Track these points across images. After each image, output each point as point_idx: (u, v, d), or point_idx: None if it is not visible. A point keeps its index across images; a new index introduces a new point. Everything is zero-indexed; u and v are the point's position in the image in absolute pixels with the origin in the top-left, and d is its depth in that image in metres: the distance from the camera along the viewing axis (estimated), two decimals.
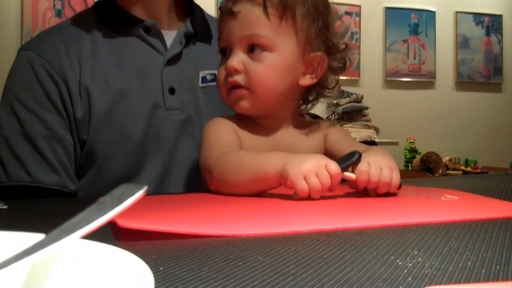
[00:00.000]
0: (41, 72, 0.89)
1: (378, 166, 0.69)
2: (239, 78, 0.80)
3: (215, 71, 0.96)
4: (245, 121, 0.85)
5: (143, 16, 0.95)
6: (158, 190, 0.92)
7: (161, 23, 0.97)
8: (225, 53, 0.83)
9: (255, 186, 0.70)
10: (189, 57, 0.98)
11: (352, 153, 0.70)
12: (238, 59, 0.79)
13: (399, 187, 0.72)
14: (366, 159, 0.70)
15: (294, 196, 0.67)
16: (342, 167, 0.68)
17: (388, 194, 0.70)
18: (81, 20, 0.96)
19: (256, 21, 0.79)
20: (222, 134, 0.81)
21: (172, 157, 0.94)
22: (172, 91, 0.94)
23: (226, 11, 0.81)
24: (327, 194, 0.67)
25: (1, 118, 0.91)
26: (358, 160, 0.69)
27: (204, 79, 0.99)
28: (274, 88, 0.81)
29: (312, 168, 0.65)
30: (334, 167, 0.66)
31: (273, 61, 0.79)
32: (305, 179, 0.65)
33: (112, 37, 0.94)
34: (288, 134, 0.86)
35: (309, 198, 0.66)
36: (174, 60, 0.96)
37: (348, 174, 0.70)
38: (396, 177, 0.69)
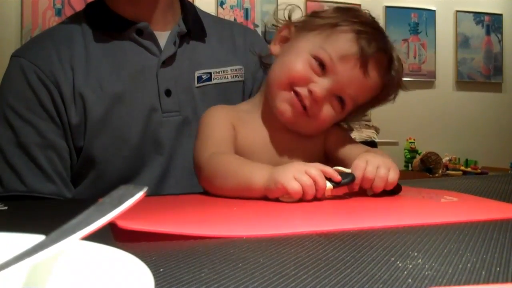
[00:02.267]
0: (33, 80, 0.88)
1: (375, 165, 0.69)
2: (312, 107, 0.79)
3: (211, 70, 0.95)
4: (245, 115, 0.85)
5: (135, 18, 0.93)
6: (157, 193, 0.91)
7: (153, 24, 0.95)
8: (322, 65, 0.79)
9: (239, 194, 0.70)
10: (184, 57, 0.96)
11: (346, 174, 0.70)
12: (325, 91, 0.78)
13: (399, 190, 0.72)
14: (365, 157, 0.70)
15: (283, 199, 0.66)
16: (333, 184, 0.67)
17: (387, 194, 0.71)
18: (73, 24, 0.95)
19: (365, 90, 0.81)
20: (218, 127, 0.81)
21: (170, 160, 0.93)
22: (168, 93, 0.93)
23: (360, 61, 0.78)
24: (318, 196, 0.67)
25: None
26: (351, 182, 0.69)
27: (200, 78, 0.97)
28: (321, 129, 0.84)
29: (299, 168, 0.65)
30: (318, 167, 0.66)
31: (338, 114, 0.82)
32: (295, 179, 0.64)
33: (105, 41, 0.93)
34: (286, 131, 0.85)
35: (299, 200, 0.65)
36: (169, 61, 0.94)
37: (343, 169, 0.70)
38: (392, 176, 0.69)
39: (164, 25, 0.97)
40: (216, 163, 0.74)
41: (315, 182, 0.65)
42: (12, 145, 0.87)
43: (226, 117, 0.83)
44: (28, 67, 0.89)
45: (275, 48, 0.86)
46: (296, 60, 0.80)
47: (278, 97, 0.80)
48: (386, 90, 0.83)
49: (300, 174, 0.65)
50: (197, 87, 0.97)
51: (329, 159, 0.88)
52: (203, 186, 0.76)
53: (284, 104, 0.80)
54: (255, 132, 0.84)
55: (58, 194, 0.88)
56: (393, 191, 0.72)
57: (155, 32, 0.95)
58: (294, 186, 0.64)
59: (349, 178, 0.69)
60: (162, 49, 0.94)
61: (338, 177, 0.67)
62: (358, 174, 0.69)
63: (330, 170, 0.67)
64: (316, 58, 0.79)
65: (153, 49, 0.94)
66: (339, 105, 0.81)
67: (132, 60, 0.93)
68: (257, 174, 0.68)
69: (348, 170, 0.70)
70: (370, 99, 0.84)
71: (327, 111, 0.80)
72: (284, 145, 0.84)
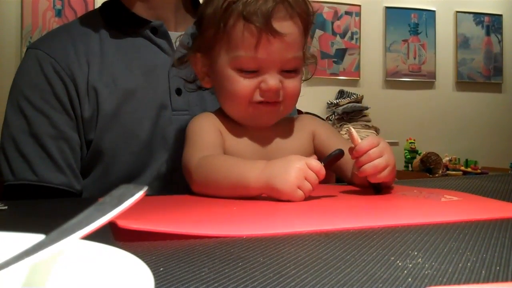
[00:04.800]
0: (49, 71, 0.90)
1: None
2: (278, 97, 0.79)
3: None
4: (229, 122, 0.84)
5: (150, 17, 0.96)
6: (163, 190, 0.92)
7: (168, 24, 0.97)
8: (252, 70, 0.78)
9: (235, 194, 0.70)
10: None
11: (334, 150, 0.72)
12: (277, 79, 0.78)
13: (382, 189, 0.74)
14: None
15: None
16: (324, 162, 0.69)
17: (385, 190, 0.71)
18: (89, 21, 0.97)
19: (297, 43, 0.79)
20: (205, 133, 0.81)
21: (178, 157, 0.94)
22: (179, 91, 0.95)
23: (268, 31, 0.75)
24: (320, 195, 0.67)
25: (8, 117, 0.91)
26: (339, 154, 0.71)
27: None
28: (297, 99, 0.84)
29: (299, 176, 0.66)
30: (314, 163, 0.67)
31: (300, 75, 0.82)
32: (299, 188, 0.66)
33: (120, 38, 0.94)
34: (274, 133, 0.85)
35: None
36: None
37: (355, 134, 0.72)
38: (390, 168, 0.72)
39: (178, 26, 0.99)
40: (207, 166, 0.74)
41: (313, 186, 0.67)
42: (24, 134, 0.89)
43: (213, 122, 0.83)
44: (44, 59, 0.90)
45: (205, 82, 0.86)
46: (232, 84, 0.79)
47: (251, 115, 0.80)
48: (306, 22, 0.81)
49: (302, 181, 0.66)
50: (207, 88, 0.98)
51: (321, 157, 0.88)
52: (196, 190, 0.76)
53: (260, 117, 0.80)
54: (242, 138, 0.84)
55: (68, 185, 0.89)
56: (378, 189, 0.73)
57: (169, 32, 0.96)
58: (300, 196, 0.66)
59: (337, 151, 0.72)
60: (175, 48, 0.96)
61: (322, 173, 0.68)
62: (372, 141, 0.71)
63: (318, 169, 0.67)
64: (241, 69, 0.78)
65: (166, 48, 0.96)
66: (292, 73, 0.80)
67: (145, 58, 0.94)
68: (252, 175, 0.68)
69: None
70: (304, 38, 0.82)
71: (292, 84, 0.80)
72: (271, 147, 0.84)
